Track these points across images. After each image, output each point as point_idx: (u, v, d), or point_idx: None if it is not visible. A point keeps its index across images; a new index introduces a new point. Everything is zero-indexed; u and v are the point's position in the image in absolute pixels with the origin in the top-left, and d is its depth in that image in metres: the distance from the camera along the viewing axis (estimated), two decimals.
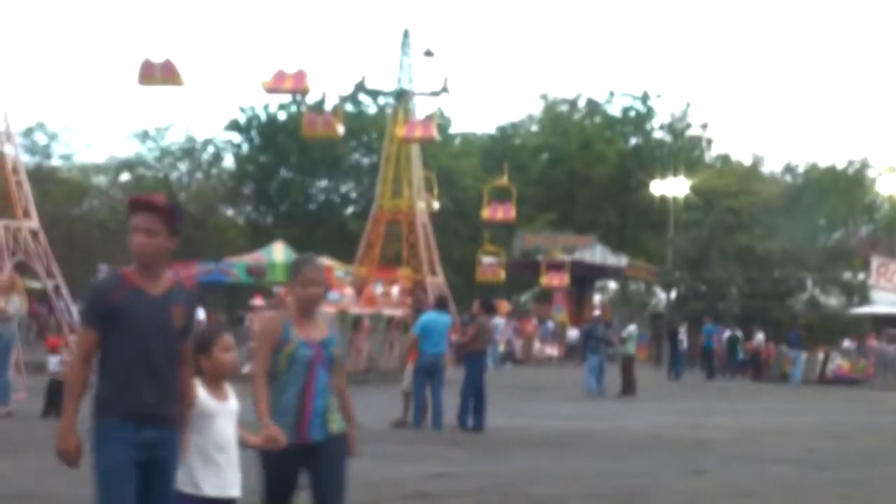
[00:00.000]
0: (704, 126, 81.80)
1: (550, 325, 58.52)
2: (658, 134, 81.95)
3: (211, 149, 76.77)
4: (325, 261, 55.01)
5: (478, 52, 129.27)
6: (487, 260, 59.07)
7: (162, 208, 6.03)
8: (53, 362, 18.71)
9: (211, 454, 6.40)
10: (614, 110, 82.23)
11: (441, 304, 21.34)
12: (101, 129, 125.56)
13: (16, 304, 18.77)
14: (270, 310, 32.26)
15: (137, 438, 5.89)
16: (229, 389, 6.61)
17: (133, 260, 6.03)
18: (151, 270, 6.00)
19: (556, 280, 60.89)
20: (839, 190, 74.39)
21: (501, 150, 77.12)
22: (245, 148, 76.48)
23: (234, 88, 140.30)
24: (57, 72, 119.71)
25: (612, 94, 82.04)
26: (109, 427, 5.92)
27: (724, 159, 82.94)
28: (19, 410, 18.83)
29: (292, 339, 6.92)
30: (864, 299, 58.28)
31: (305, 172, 75.65)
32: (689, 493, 12.56)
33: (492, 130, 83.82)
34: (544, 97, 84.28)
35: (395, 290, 37.45)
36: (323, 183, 77.64)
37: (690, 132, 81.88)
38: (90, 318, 5.94)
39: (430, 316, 20.25)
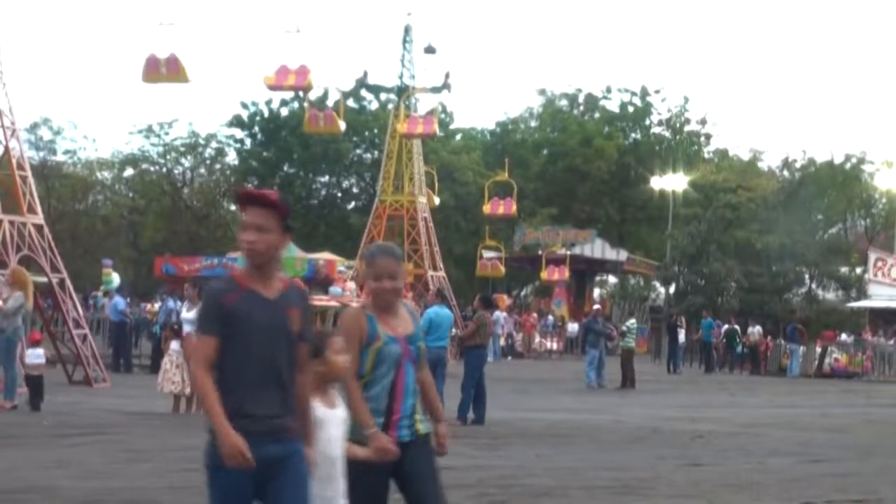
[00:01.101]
0: (703, 122, 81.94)
1: (550, 318, 58.70)
2: (657, 129, 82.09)
3: (214, 144, 76.93)
4: (327, 255, 55.48)
5: (478, 48, 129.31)
6: (488, 254, 59.21)
7: (275, 203, 5.64)
8: (33, 356, 18.87)
9: (321, 465, 5.93)
10: (613, 106, 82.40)
11: (441, 298, 21.54)
12: (106, 125, 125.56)
13: (21, 299, 18.96)
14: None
15: (259, 454, 5.37)
16: (337, 395, 6.27)
17: (244, 260, 5.65)
18: (264, 271, 5.61)
19: (555, 274, 61.04)
20: (837, 185, 74.53)
21: (502, 145, 77.28)
22: (248, 143, 76.61)
23: (236, 84, 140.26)
24: (61, 67, 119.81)
25: (609, 89, 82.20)
26: None
27: (723, 154, 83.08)
28: (23, 404, 19.01)
29: (380, 334, 6.45)
30: (862, 294, 58.47)
31: (308, 168, 75.80)
32: (688, 484, 12.65)
33: (493, 126, 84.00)
34: (543, 92, 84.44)
35: None
36: (325, 178, 77.80)
37: (689, 128, 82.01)
38: (207, 323, 5.52)
39: (434, 310, 20.47)
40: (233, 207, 79.89)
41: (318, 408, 5.99)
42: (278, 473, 5.51)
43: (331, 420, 6.09)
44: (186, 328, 18.88)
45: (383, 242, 7.37)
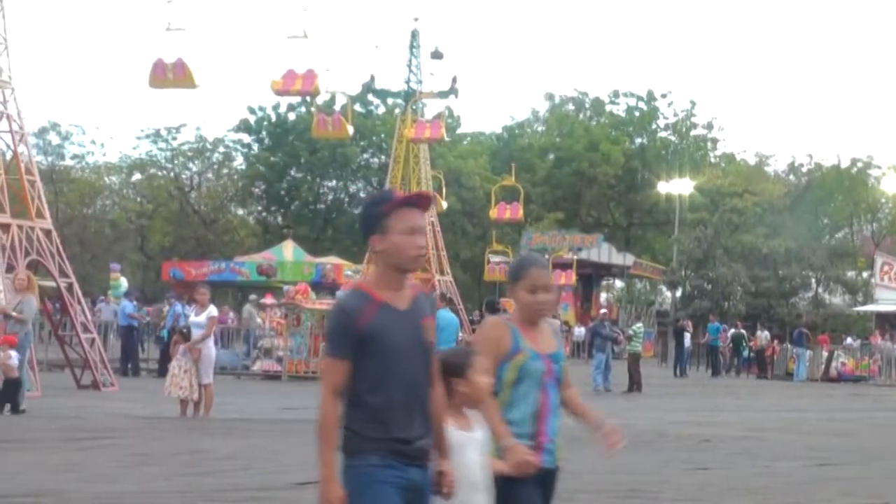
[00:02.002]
0: (709, 126, 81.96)
1: (557, 323, 58.70)
2: (663, 134, 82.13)
3: (222, 149, 77.05)
4: (334, 260, 55.51)
5: (485, 53, 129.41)
6: (495, 259, 59.31)
7: (429, 204, 5.34)
8: (6, 358, 18.90)
9: (463, 494, 5.42)
10: (619, 110, 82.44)
11: (446, 302, 21.61)
12: (114, 130, 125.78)
13: (31, 304, 19.04)
14: (289, 304, 32.50)
15: (406, 480, 5.07)
16: (475, 417, 5.69)
17: (389, 269, 5.18)
18: (400, 279, 5.20)
19: (562, 278, 61.05)
20: (843, 189, 74.53)
21: (509, 150, 77.38)
22: (255, 148, 76.72)
23: (244, 89, 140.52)
24: (70, 72, 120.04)
25: (616, 94, 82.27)
26: (373, 467, 5.03)
27: (729, 159, 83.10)
28: (31, 408, 19.09)
29: (523, 348, 5.99)
30: (868, 298, 58.46)
31: (315, 172, 75.91)
32: (695, 488, 12.65)
33: (500, 131, 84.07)
34: (550, 97, 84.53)
35: None
36: (332, 183, 77.90)
37: (695, 132, 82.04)
38: (339, 346, 5.07)
39: (439, 314, 20.54)
40: (240, 212, 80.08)
41: (454, 432, 5.47)
42: (419, 502, 5.18)
43: (469, 444, 5.56)
44: (196, 332, 18.92)
45: (533, 253, 6.79)
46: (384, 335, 5.03)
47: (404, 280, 5.20)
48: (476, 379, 5.60)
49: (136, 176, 76.74)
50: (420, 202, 5.22)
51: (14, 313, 18.82)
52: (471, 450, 5.54)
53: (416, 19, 52.81)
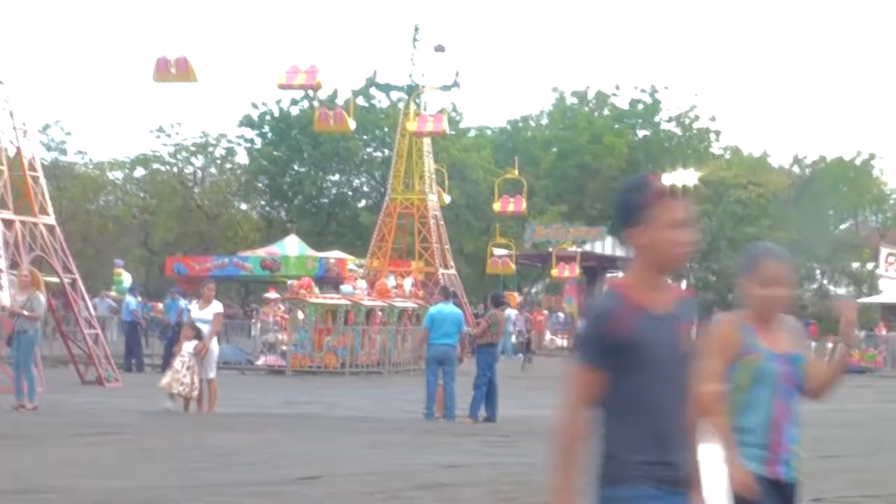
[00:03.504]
0: (713, 118, 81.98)
1: (561, 315, 58.73)
2: (666, 126, 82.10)
3: (225, 144, 77.08)
4: (338, 254, 55.53)
5: (488, 46, 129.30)
6: (499, 252, 59.27)
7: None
8: None
9: None
10: (622, 103, 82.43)
11: (446, 295, 21.59)
12: (117, 125, 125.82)
13: (40, 301, 19.05)
14: (291, 300, 32.52)
15: None
16: (704, 429, 4.93)
17: (650, 267, 4.56)
18: (661, 279, 4.58)
19: (566, 271, 61.08)
20: (848, 181, 74.51)
21: (512, 143, 77.32)
22: (258, 143, 76.72)
23: (247, 84, 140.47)
24: (73, 68, 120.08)
25: (619, 86, 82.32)
26: (640, 496, 4.38)
27: (733, 151, 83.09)
28: (38, 404, 19.11)
29: (758, 348, 5.53)
30: (873, 289, 58.44)
31: (318, 167, 75.87)
32: None
33: (504, 124, 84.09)
34: (556, 90, 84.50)
35: (407, 282, 37.70)
36: (335, 177, 77.86)
37: (698, 125, 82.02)
38: (593, 355, 4.44)
39: (437, 308, 20.54)
40: (243, 207, 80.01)
41: (713, 447, 4.98)
42: None
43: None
44: (199, 327, 18.92)
45: (767, 243, 6.10)
46: (646, 344, 4.42)
47: (663, 280, 4.59)
48: (701, 388, 4.85)
49: (140, 171, 76.75)
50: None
51: (25, 312, 18.81)
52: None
53: (418, 12, 52.51)
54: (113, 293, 39.91)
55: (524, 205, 55.75)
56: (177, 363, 19.01)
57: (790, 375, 5.55)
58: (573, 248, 62.29)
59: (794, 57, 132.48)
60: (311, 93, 56.13)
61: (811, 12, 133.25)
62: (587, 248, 64.19)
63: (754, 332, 5.55)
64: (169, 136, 74.28)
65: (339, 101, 59.20)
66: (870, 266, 60.85)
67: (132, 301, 33.92)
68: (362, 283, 35.38)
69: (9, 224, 23.96)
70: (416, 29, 51.90)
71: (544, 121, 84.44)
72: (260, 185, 77.83)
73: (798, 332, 5.85)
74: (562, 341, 55.15)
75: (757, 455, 5.43)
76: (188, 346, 18.85)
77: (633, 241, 4.52)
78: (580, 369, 4.47)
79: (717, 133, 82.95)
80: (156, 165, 75.83)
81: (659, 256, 4.49)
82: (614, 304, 4.46)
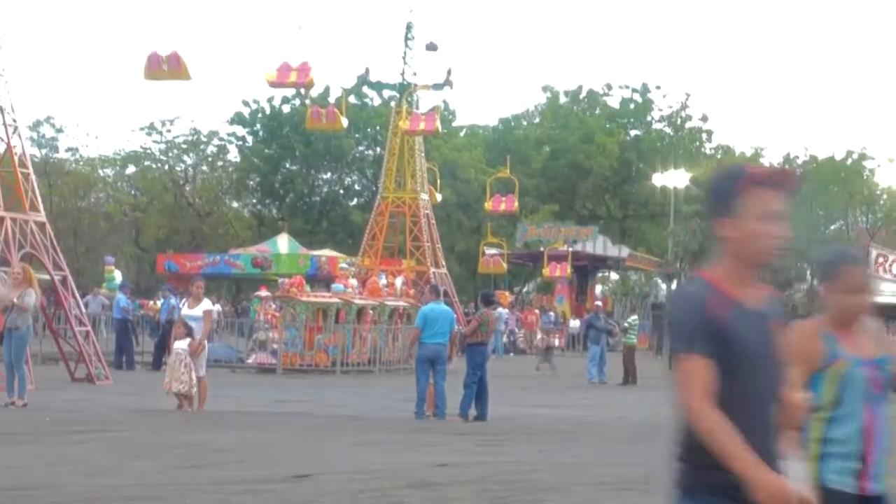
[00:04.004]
0: (704, 118, 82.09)
1: (552, 315, 58.79)
2: (658, 126, 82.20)
3: (216, 142, 77.06)
4: (329, 252, 55.54)
5: (480, 45, 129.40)
6: (490, 251, 59.34)
7: (796, 185, 4.39)
8: None
9: None
10: (614, 102, 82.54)
11: (438, 294, 21.59)
12: (108, 122, 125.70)
13: (32, 297, 19.01)
14: (284, 297, 32.47)
15: None
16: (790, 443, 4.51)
17: (739, 261, 4.26)
18: (751, 275, 4.29)
19: (557, 271, 61.16)
20: (838, 181, 74.60)
21: (504, 142, 77.39)
22: (250, 141, 76.70)
23: (238, 82, 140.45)
24: (64, 65, 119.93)
25: (610, 86, 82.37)
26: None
27: (725, 150, 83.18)
28: (28, 401, 19.08)
29: (842, 355, 5.22)
30: None
31: (310, 165, 75.91)
32: None
33: (496, 122, 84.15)
34: (548, 89, 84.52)
35: (398, 281, 37.70)
36: (327, 175, 77.93)
37: (690, 124, 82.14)
38: (695, 340, 4.09)
39: (428, 307, 20.55)
40: (235, 204, 79.97)
41: (796, 461, 4.48)
42: None
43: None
44: (191, 325, 18.90)
45: (844, 247, 5.79)
46: (741, 338, 4.12)
47: (753, 276, 4.29)
48: (789, 396, 4.43)
49: (131, 168, 76.69)
50: (785, 181, 4.30)
51: (17, 301, 18.77)
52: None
53: (410, 10, 52.34)
54: (104, 290, 39.82)
55: (516, 204, 55.86)
56: (173, 361, 18.94)
57: (879, 380, 5.26)
58: (564, 248, 62.37)
59: (785, 57, 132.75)
60: (303, 91, 56.12)
61: (804, 11, 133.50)
62: (578, 247, 64.28)
63: (836, 339, 5.27)
64: (160, 133, 74.25)
65: (331, 98, 59.18)
66: None
67: (123, 298, 33.86)
68: (354, 282, 35.37)
69: None
70: (409, 27, 51.98)
71: (536, 120, 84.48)
72: (251, 182, 77.85)
73: (880, 333, 5.53)
74: (553, 341, 55.15)
75: (848, 469, 5.13)
76: (181, 344, 18.75)
77: (722, 233, 4.26)
78: (689, 361, 4.11)
79: (710, 133, 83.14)
80: (147, 163, 75.81)
81: (748, 250, 4.22)
82: (707, 291, 4.19)
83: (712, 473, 4.05)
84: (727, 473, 3.99)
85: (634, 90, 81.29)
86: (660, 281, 69.46)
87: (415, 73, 52.13)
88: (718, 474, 4.02)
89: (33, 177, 25.73)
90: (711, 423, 4.02)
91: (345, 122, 45.57)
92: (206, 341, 19.38)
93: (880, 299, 55.67)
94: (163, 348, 28.41)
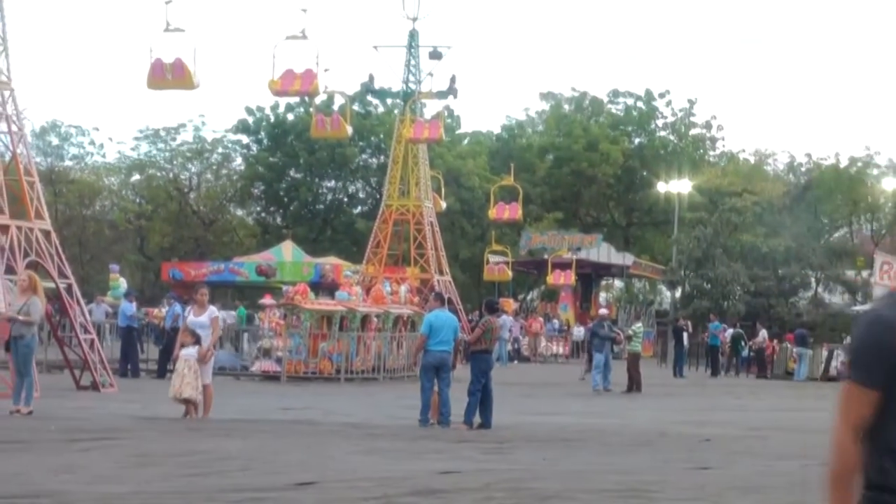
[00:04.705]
0: (707, 125, 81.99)
1: (556, 322, 58.81)
2: (662, 133, 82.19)
3: (221, 150, 77.11)
4: (333, 260, 55.54)
5: (484, 53, 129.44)
6: (494, 259, 59.35)
7: None
8: None
9: None
10: (618, 110, 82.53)
11: (443, 301, 21.59)
12: (113, 131, 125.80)
13: (37, 306, 19.02)
14: (288, 305, 32.47)
15: None
16: None
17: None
18: None
19: (561, 278, 61.20)
20: (842, 188, 74.51)
21: (508, 150, 77.43)
22: (254, 149, 76.76)
23: (242, 90, 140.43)
24: (69, 73, 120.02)
25: (614, 93, 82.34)
26: None
27: (729, 158, 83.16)
28: (33, 409, 19.09)
29: None
30: (868, 297, 58.41)
31: (314, 173, 75.96)
32: (695, 488, 12.64)
33: (499, 130, 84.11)
34: (551, 96, 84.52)
35: (402, 288, 37.71)
36: (331, 183, 77.97)
37: (694, 132, 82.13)
38: (867, 370, 3.71)
39: (434, 314, 20.54)
40: (239, 212, 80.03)
41: None
42: None
43: None
44: (198, 333, 18.90)
45: None
46: None
47: None
48: None
49: (135, 177, 76.81)
50: None
51: (20, 316, 18.78)
52: None
53: (414, 19, 52.27)
54: (109, 298, 39.82)
55: (520, 212, 55.87)
56: (181, 367, 18.86)
57: None
58: (568, 256, 62.37)
59: (789, 64, 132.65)
60: (307, 99, 56.17)
61: (807, 20, 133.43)
62: (582, 255, 64.28)
63: None
64: (165, 141, 74.35)
65: (335, 107, 59.21)
66: (864, 274, 60.83)
67: (129, 306, 33.85)
68: (358, 290, 35.37)
69: (4, 229, 23.93)
70: (412, 35, 51.96)
71: (540, 128, 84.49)
72: (256, 190, 77.90)
73: None
74: (557, 348, 55.19)
75: None
76: (190, 351, 18.69)
77: None
78: (851, 388, 3.78)
79: (713, 140, 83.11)
80: (151, 171, 75.87)
81: None
82: (892, 313, 3.73)
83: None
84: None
85: (638, 98, 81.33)
86: (664, 288, 69.50)
87: (419, 81, 52.16)
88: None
89: (38, 185, 25.76)
90: (843, 462, 3.76)
91: (349, 129, 45.66)
92: (213, 348, 19.41)
93: None
94: (167, 356, 28.38)
